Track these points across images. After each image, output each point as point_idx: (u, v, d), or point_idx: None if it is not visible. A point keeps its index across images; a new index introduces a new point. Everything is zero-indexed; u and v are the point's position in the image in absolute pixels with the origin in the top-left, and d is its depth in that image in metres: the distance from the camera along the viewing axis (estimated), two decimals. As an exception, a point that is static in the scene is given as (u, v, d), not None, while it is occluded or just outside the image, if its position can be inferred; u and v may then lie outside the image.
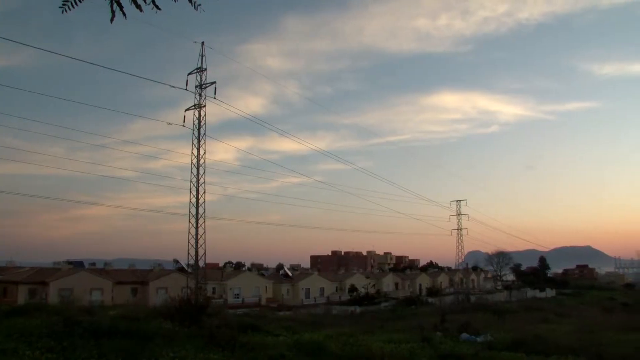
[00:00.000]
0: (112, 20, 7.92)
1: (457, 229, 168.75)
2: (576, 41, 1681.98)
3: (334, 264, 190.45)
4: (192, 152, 76.71)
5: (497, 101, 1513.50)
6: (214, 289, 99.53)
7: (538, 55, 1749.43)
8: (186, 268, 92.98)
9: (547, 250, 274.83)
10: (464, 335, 40.60)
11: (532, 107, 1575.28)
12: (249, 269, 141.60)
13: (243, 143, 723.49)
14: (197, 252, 73.98)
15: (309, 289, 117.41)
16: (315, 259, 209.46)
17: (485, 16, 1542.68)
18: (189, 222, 74.97)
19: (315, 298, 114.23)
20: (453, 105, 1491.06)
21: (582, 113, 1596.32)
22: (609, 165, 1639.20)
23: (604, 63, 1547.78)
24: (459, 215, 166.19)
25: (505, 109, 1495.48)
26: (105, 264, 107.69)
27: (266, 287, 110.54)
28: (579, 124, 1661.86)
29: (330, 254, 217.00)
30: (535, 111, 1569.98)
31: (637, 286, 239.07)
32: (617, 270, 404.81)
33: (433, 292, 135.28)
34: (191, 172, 76.18)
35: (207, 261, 79.16)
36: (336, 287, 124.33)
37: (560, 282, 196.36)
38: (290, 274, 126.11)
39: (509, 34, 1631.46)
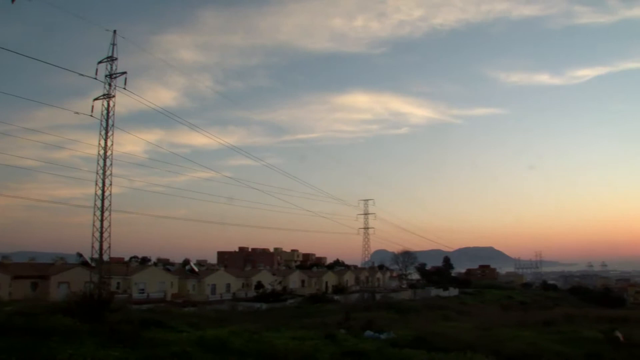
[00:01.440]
0: (13, 0, 7.69)
1: (364, 228, 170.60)
2: (486, 49, 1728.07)
3: (241, 260, 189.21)
4: (99, 143, 75.05)
5: (408, 104, 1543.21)
6: (118, 283, 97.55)
7: (450, 60, 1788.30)
8: (90, 262, 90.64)
9: (451, 250, 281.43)
10: (368, 333, 41.09)
11: (442, 110, 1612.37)
12: (155, 264, 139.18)
13: (153, 136, 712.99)
14: (101, 246, 72.45)
15: (215, 285, 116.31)
16: (222, 255, 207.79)
17: (400, 19, 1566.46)
18: (94, 214, 73.35)
19: (221, 294, 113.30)
20: (365, 106, 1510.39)
21: (488, 118, 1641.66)
22: (512, 169, 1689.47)
23: (510, 72, 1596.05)
24: (366, 214, 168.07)
25: (416, 111, 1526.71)
26: (3, 257, 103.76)
27: (172, 282, 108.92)
28: (485, 129, 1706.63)
29: (237, 250, 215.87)
30: (444, 115, 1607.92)
31: (534, 286, 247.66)
32: (516, 270, 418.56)
33: (339, 289, 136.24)
34: (98, 163, 74.54)
35: (111, 255, 77.64)
36: (243, 284, 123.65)
37: (463, 281, 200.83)
38: (196, 269, 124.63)
39: (423, 38, 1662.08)
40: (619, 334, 39.72)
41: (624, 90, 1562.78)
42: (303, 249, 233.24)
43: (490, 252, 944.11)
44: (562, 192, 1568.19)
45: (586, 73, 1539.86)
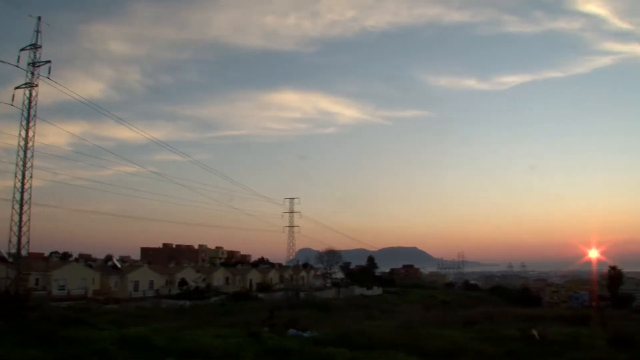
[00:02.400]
0: None
1: (289, 226, 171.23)
2: (416, 53, 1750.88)
3: (165, 256, 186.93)
4: (19, 134, 73.38)
5: (337, 103, 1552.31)
6: (37, 280, 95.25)
7: (379, 62, 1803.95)
8: (7, 257, 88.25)
9: (375, 250, 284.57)
10: (291, 331, 41.10)
11: (371, 111, 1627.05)
12: (76, 260, 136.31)
13: (77, 128, 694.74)
14: (19, 241, 70.83)
15: (138, 281, 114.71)
16: (146, 251, 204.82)
17: (333, 19, 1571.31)
18: (13, 208, 71.63)
19: (144, 291, 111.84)
20: (294, 104, 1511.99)
21: (416, 120, 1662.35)
22: (438, 170, 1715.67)
23: (439, 75, 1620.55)
24: (291, 212, 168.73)
25: (345, 111, 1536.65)
26: None
27: (93, 279, 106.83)
28: (413, 131, 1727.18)
29: (161, 246, 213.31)
30: (373, 115, 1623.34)
31: (457, 285, 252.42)
32: (439, 270, 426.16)
33: (263, 287, 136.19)
34: (17, 155, 72.84)
35: (30, 250, 75.99)
36: (166, 281, 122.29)
37: (387, 280, 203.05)
38: (119, 265, 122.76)
39: (354, 39, 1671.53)
40: (535, 332, 40.72)
41: (545, 98, 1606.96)
42: (228, 247, 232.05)
43: (414, 252, 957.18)
44: (484, 193, 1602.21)
45: (511, 79, 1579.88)
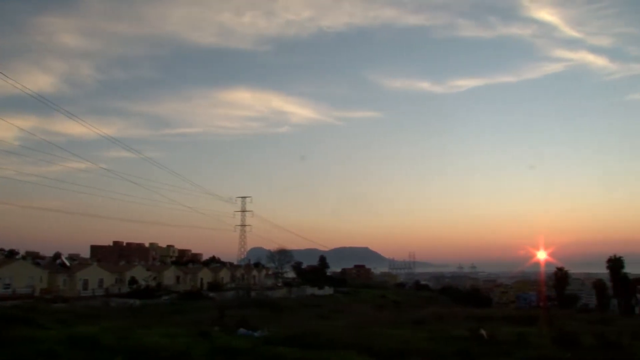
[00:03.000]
0: None
1: (241, 225, 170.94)
2: (371, 54, 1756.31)
3: (115, 255, 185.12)
4: (-36, 129, 71.58)
5: (291, 103, 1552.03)
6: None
7: (334, 63, 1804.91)
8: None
9: (327, 249, 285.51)
10: (242, 330, 40.96)
11: (324, 111, 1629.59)
12: (23, 258, 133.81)
13: (26, 122, 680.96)
14: (-36, 238, 69.18)
15: (87, 280, 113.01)
16: (96, 249, 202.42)
17: (288, 19, 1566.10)
18: (-43, 204, 69.90)
19: (93, 290, 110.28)
20: (248, 103, 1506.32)
21: (369, 121, 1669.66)
22: (390, 171, 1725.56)
23: (393, 77, 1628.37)
24: (243, 211, 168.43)
25: (299, 111, 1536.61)
26: None
27: (41, 277, 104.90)
28: (366, 131, 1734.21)
29: (111, 244, 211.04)
30: (326, 116, 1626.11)
31: (408, 286, 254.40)
32: (391, 271, 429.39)
33: (214, 286, 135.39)
34: (-38, 150, 71.20)
35: (-25, 248, 74.26)
36: (116, 279, 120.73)
37: (339, 280, 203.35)
38: (68, 263, 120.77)
39: (310, 39, 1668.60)
40: (483, 332, 41.29)
41: (497, 102, 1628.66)
42: (179, 245, 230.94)
43: (365, 252, 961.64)
44: (435, 195, 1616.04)
45: (465, 83, 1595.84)
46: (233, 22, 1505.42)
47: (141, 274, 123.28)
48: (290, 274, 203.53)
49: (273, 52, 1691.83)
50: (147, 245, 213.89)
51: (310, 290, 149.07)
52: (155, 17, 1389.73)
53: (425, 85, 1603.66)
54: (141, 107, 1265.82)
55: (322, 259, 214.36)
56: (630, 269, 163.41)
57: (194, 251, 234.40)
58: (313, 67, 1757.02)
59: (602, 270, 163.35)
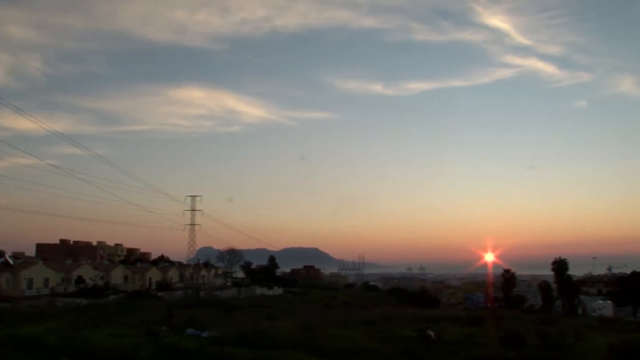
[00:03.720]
0: None
1: (191, 224, 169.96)
2: (324, 55, 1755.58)
3: (62, 253, 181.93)
4: None
5: (243, 102, 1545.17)
6: None
7: (288, 63, 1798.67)
8: None
9: (277, 250, 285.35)
10: (190, 330, 40.73)
11: (276, 111, 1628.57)
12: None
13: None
14: None
15: (32, 279, 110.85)
16: (41, 248, 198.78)
17: (243, 17, 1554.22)
18: None
19: (38, 289, 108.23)
20: (200, 101, 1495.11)
21: (321, 122, 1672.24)
22: (341, 173, 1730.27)
23: (346, 79, 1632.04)
24: (193, 210, 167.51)
25: (251, 110, 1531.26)
26: None
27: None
28: (318, 132, 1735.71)
29: (58, 242, 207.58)
30: (278, 116, 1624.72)
31: (357, 286, 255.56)
32: (340, 271, 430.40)
33: (163, 286, 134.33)
34: None
35: None
36: (62, 278, 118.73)
37: (288, 280, 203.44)
38: (11, 262, 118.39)
39: (264, 38, 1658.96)
40: (431, 333, 41.80)
41: (449, 106, 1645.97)
42: (128, 244, 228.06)
43: (315, 252, 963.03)
44: (385, 196, 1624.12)
45: (417, 86, 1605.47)
46: (187, 19, 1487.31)
47: (88, 273, 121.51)
48: (240, 274, 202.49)
49: (226, 50, 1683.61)
50: (94, 243, 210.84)
51: (259, 290, 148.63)
52: (107, 11, 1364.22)
53: (377, 87, 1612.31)
54: (91, 103, 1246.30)
55: (272, 259, 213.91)
56: (574, 271, 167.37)
57: (142, 250, 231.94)
58: (266, 67, 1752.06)
59: (548, 272, 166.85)
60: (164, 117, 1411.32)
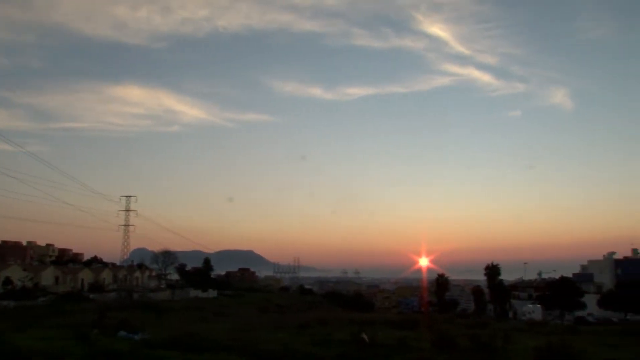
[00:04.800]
0: None
1: (125, 225, 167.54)
2: (265, 57, 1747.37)
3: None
4: None
5: (182, 102, 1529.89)
6: None
7: (229, 63, 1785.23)
8: None
9: (212, 252, 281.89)
10: (122, 333, 40.18)
11: (216, 112, 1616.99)
12: None
13: None
14: None
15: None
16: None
17: (184, 17, 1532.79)
18: None
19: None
20: (138, 100, 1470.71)
21: (260, 124, 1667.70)
22: (278, 176, 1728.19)
23: (286, 81, 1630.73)
24: (127, 210, 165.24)
25: (190, 110, 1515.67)
26: None
27: None
28: (256, 134, 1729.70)
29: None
30: (217, 117, 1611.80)
31: (292, 290, 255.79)
32: (275, 274, 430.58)
33: (95, 288, 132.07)
34: None
35: None
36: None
37: (223, 283, 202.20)
38: None
39: (205, 38, 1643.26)
40: (364, 336, 42.06)
41: (387, 111, 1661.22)
42: (59, 244, 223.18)
43: (250, 255, 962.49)
44: (321, 200, 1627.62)
45: (356, 91, 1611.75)
46: (128, 15, 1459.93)
47: (17, 274, 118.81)
48: (174, 276, 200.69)
49: (167, 49, 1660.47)
50: (24, 243, 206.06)
51: (194, 292, 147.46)
52: (45, 4, 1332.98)
53: (317, 91, 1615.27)
54: (25, 98, 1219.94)
55: (207, 262, 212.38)
56: (506, 276, 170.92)
57: (75, 251, 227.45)
58: (206, 67, 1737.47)
59: (481, 277, 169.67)
60: (100, 115, 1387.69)
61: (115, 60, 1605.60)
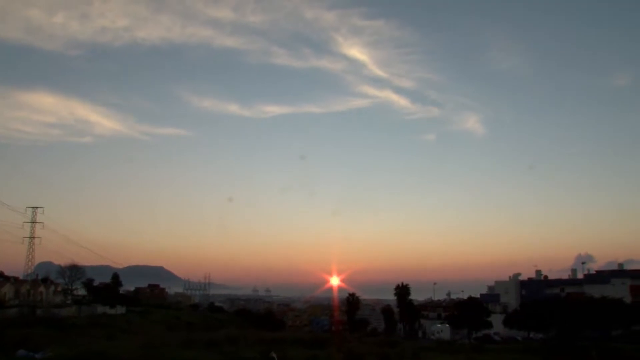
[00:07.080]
0: None
1: (30, 237, 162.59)
2: (183, 71, 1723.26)
3: None
4: None
5: (96, 112, 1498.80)
6: None
7: (146, 75, 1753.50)
8: None
9: (121, 267, 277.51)
10: (21, 352, 38.78)
11: (130, 125, 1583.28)
12: None
13: None
14: None
15: None
16: None
17: (103, 25, 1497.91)
18: None
19: None
20: (50, 108, 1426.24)
21: (175, 138, 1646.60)
22: (192, 191, 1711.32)
23: (203, 97, 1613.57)
24: (33, 222, 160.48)
25: (103, 121, 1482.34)
26: None
27: None
28: (171, 149, 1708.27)
29: None
30: (132, 129, 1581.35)
31: (202, 307, 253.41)
32: (185, 291, 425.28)
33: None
34: None
35: None
36: None
37: (132, 299, 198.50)
38: None
39: (123, 49, 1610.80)
40: (274, 354, 42.09)
41: (304, 131, 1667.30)
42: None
43: (160, 271, 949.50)
44: (234, 218, 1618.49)
45: (273, 109, 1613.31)
46: (43, 19, 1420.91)
47: None
48: (82, 291, 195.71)
49: (83, 57, 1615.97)
50: None
51: (101, 308, 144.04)
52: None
53: (234, 107, 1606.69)
54: None
55: (116, 277, 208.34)
56: (415, 296, 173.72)
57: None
58: (122, 78, 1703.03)
59: (391, 297, 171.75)
60: (8, 122, 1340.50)
61: (27, 65, 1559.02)
